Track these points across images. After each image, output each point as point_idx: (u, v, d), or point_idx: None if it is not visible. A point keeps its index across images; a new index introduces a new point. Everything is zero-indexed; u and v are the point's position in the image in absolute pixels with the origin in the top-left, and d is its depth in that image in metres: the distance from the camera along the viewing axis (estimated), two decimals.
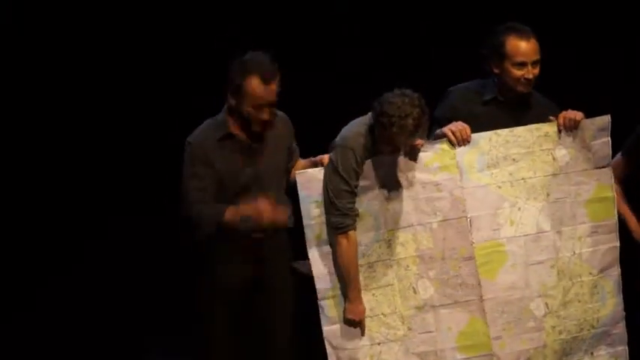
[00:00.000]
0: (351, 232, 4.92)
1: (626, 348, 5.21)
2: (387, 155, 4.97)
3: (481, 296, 5.02)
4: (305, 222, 4.98)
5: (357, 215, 4.94)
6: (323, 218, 4.97)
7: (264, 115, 4.85)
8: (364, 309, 4.97)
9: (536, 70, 5.10)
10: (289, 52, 5.85)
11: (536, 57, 5.08)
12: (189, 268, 5.02)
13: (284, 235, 5.07)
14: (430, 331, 5.00)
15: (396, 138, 4.82)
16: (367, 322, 4.98)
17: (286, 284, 5.06)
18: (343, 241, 4.92)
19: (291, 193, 5.06)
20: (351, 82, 6.01)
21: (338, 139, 4.96)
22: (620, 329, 5.19)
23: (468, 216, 5.03)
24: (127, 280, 6.13)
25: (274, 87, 4.84)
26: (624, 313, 5.20)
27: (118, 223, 6.11)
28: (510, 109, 5.17)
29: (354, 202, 4.93)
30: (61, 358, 6.06)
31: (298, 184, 4.99)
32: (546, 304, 5.09)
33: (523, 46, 5.05)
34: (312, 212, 4.97)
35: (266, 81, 4.80)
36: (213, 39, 6.07)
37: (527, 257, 5.07)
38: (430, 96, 5.02)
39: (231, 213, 4.87)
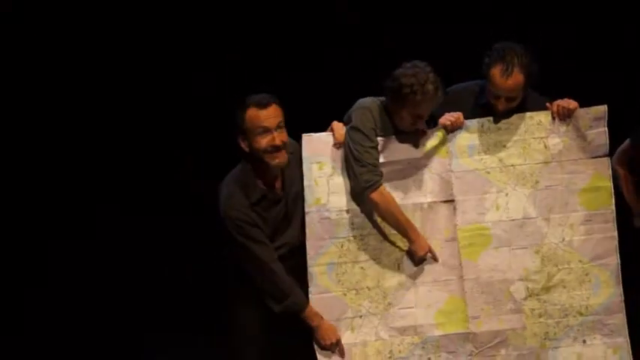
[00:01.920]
0: (381, 187, 5.08)
1: (627, 339, 5.21)
2: (409, 129, 5.12)
3: (461, 276, 5.17)
4: (305, 182, 5.13)
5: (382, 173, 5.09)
6: (324, 180, 5.14)
7: (275, 141, 4.96)
8: (427, 244, 5.13)
9: (512, 104, 5.18)
10: (292, 50, 6.01)
11: (512, 94, 5.14)
12: (191, 267, 5.15)
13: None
14: (410, 307, 5.17)
15: (422, 105, 5.01)
16: (352, 295, 5.17)
17: None
18: (377, 197, 5.07)
19: None
20: (349, 81, 5.98)
21: (353, 107, 5.15)
22: (619, 320, 5.19)
23: (455, 199, 5.21)
24: (127, 278, 6.28)
25: (273, 110, 4.98)
26: (623, 305, 5.20)
27: (117, 221, 6.26)
28: (505, 114, 5.24)
29: (378, 159, 5.10)
30: (60, 356, 6.22)
31: (303, 145, 5.17)
32: (527, 287, 5.19)
33: (498, 82, 5.11)
34: (314, 173, 5.15)
35: (261, 106, 4.96)
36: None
37: (511, 241, 5.20)
38: None
39: (309, 314, 5.08)
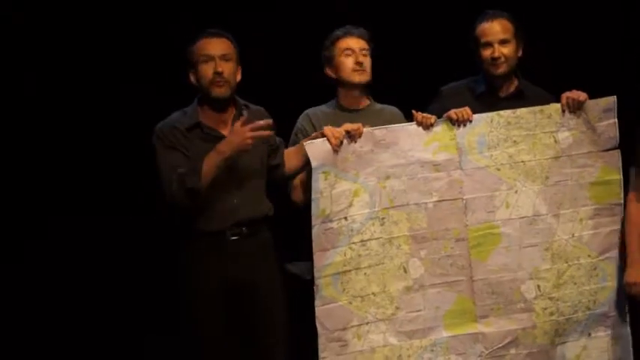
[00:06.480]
0: None
1: (628, 330, 5.19)
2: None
3: (471, 277, 5.04)
4: (313, 195, 4.92)
5: None
6: (328, 191, 4.93)
7: (217, 68, 4.80)
8: None
9: (505, 50, 5.14)
10: (290, 49, 5.90)
11: (503, 36, 5.14)
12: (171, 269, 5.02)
13: (266, 233, 4.97)
14: (418, 310, 5.03)
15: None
16: (357, 303, 4.99)
17: (272, 284, 4.96)
18: None
19: (274, 190, 5.06)
20: None
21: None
22: (621, 312, 5.17)
23: (464, 197, 5.04)
24: (127, 279, 6.12)
25: (221, 41, 4.85)
26: (626, 296, 5.16)
27: (117, 222, 6.11)
28: (504, 101, 5.14)
29: None
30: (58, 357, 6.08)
31: (309, 155, 4.93)
32: (538, 286, 5.09)
33: (487, 27, 5.14)
34: (320, 184, 4.93)
35: (210, 35, 4.85)
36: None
37: (521, 240, 5.07)
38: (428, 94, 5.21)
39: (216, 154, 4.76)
